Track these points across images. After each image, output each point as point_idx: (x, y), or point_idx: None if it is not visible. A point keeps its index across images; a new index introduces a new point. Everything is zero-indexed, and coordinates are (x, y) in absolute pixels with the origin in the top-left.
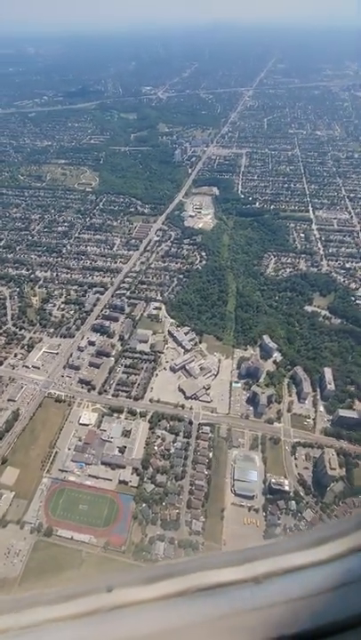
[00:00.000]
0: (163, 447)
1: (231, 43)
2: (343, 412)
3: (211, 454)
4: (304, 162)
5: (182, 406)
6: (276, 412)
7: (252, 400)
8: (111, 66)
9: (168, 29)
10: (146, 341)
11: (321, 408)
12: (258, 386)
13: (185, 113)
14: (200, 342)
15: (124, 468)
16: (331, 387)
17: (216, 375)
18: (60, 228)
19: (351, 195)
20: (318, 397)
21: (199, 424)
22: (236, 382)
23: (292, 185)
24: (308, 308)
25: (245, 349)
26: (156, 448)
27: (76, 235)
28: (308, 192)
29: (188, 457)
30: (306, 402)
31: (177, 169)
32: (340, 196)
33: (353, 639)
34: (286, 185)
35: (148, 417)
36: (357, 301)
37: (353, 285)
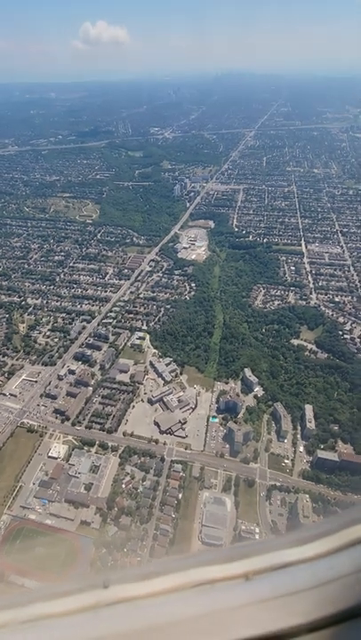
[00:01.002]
0: (131, 485)
1: (239, 89)
2: (322, 454)
3: (180, 495)
4: (299, 197)
5: (156, 441)
6: (253, 451)
7: (229, 437)
8: (124, 109)
9: (182, 77)
10: (126, 371)
11: (301, 448)
12: (235, 422)
13: (188, 151)
14: (181, 374)
15: (87, 507)
16: (311, 425)
17: (194, 409)
18: (56, 258)
19: (344, 229)
20: (299, 436)
21: (171, 461)
22: (214, 417)
23: (286, 219)
24: (295, 342)
25: (227, 382)
26: (123, 486)
27: (71, 264)
28: (301, 226)
29: (157, 497)
30: (285, 441)
31: (176, 203)
32: (333, 231)
33: (341, 634)
34: (280, 219)
35: (119, 452)
36: (345, 336)
37: (341, 319)
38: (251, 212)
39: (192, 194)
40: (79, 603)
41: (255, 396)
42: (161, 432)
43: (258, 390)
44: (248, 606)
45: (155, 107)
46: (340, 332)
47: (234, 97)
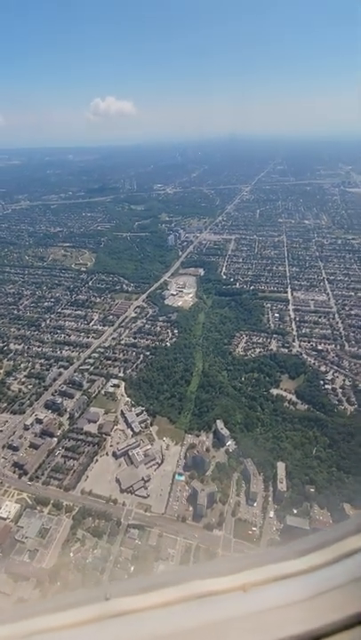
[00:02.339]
0: (80, 554)
1: (240, 151)
2: (292, 521)
3: (133, 568)
4: (289, 247)
5: (115, 501)
6: (219, 516)
7: (193, 498)
8: (132, 169)
9: (189, 141)
10: (95, 421)
11: (271, 513)
12: (202, 480)
13: (186, 205)
14: (152, 424)
15: (27, 580)
16: (282, 486)
17: (160, 464)
18: (45, 304)
19: (331, 277)
20: (271, 499)
21: (128, 525)
22: (180, 475)
23: (274, 267)
24: (274, 392)
25: (198, 435)
26: (71, 555)
27: (59, 310)
28: (288, 274)
29: (106, 569)
30: (255, 504)
31: (169, 252)
32: (320, 279)
33: None
34: (268, 267)
35: (73, 513)
36: (326, 386)
37: (323, 368)
38: (240, 260)
39: (185, 243)
40: (80, 616)
41: (227, 451)
42: (121, 490)
43: (230, 444)
44: (246, 618)
45: (160, 167)
46: (322, 382)
47: (235, 157)
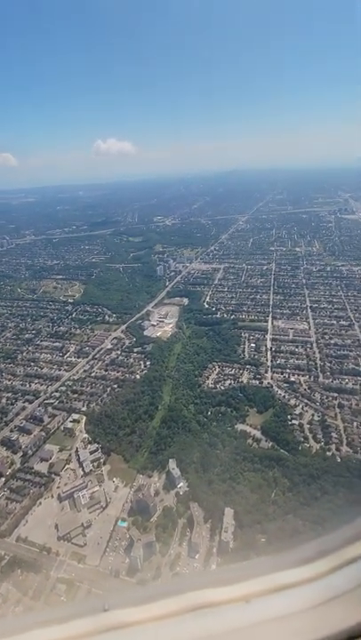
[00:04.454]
0: None
1: (242, 182)
2: None
3: None
4: (276, 274)
5: (49, 550)
6: (155, 570)
7: (129, 549)
8: (136, 202)
9: (194, 175)
10: (48, 460)
11: (213, 566)
12: (144, 528)
13: (182, 235)
14: (104, 463)
15: None
16: (227, 536)
17: (104, 508)
18: (26, 336)
19: (314, 305)
20: (215, 550)
21: (57, 579)
22: (123, 521)
23: (258, 296)
24: (239, 427)
25: (150, 475)
26: None
27: (38, 342)
28: (271, 302)
29: None
30: (197, 556)
31: (157, 282)
32: (303, 307)
33: None
34: (252, 296)
35: (3, 563)
36: (293, 421)
37: (293, 402)
38: (225, 289)
39: (173, 273)
40: (79, 628)
41: (177, 494)
42: (58, 537)
43: (181, 486)
44: (249, 629)
45: (163, 200)
46: (289, 417)
47: (235, 189)
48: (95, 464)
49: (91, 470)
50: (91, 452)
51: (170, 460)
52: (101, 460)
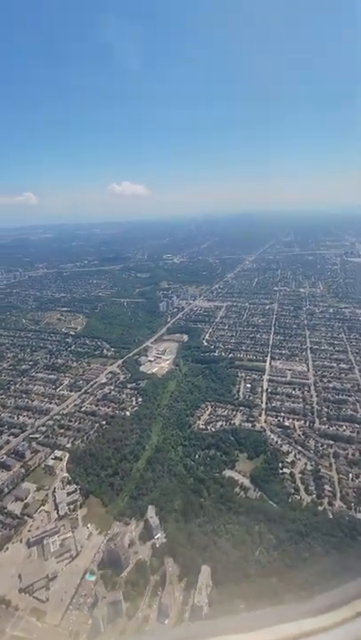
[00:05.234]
0: None
1: (252, 224)
2: None
3: None
4: (278, 314)
5: (7, 603)
6: (120, 634)
7: (93, 608)
8: (148, 241)
9: (206, 216)
10: (23, 499)
11: (182, 633)
12: (113, 584)
13: (188, 273)
14: (81, 506)
15: None
16: (201, 599)
17: (74, 557)
18: (23, 366)
19: (315, 346)
20: (187, 614)
21: (11, 637)
22: (91, 574)
23: (258, 335)
24: (228, 473)
25: (128, 523)
26: None
27: (34, 373)
28: (271, 342)
29: None
30: (166, 621)
31: (159, 318)
32: (303, 348)
33: None
34: (252, 335)
35: None
36: (284, 470)
37: (285, 448)
38: (226, 327)
39: (176, 310)
40: None
41: (153, 546)
42: (20, 589)
43: (159, 537)
44: None
45: (174, 239)
46: (281, 465)
47: (245, 231)
48: (72, 507)
49: (66, 514)
50: (68, 494)
51: (149, 507)
52: (78, 503)
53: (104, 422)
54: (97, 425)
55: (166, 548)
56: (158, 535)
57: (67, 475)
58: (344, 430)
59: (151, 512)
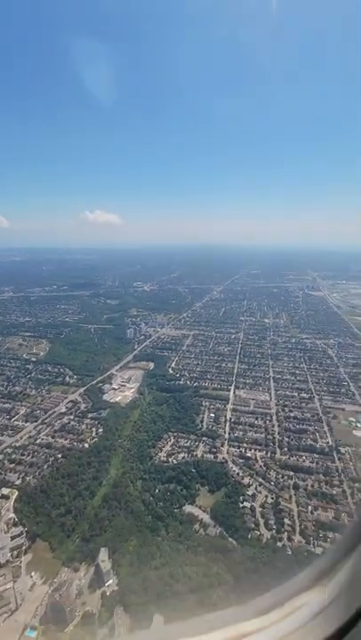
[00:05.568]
0: None
1: (222, 256)
2: None
3: None
4: (243, 344)
5: None
6: None
7: None
8: (121, 268)
9: (179, 246)
10: None
11: None
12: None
13: (158, 301)
14: (26, 552)
15: None
16: None
17: (13, 611)
18: None
19: (277, 376)
20: None
21: None
22: (32, 630)
23: (223, 364)
24: (188, 509)
25: (77, 568)
26: None
27: None
28: (236, 371)
29: None
30: None
31: (126, 345)
32: (267, 377)
33: None
34: (218, 364)
35: None
36: (245, 503)
37: (247, 481)
38: (192, 355)
39: (143, 337)
40: None
41: (103, 595)
42: None
43: (110, 584)
44: None
45: (147, 267)
46: (241, 499)
47: (215, 262)
48: (15, 553)
49: (8, 561)
50: (12, 538)
51: (101, 550)
52: (23, 548)
53: (60, 455)
54: (52, 458)
55: (117, 597)
56: (110, 582)
57: (13, 515)
58: (304, 461)
59: (103, 555)
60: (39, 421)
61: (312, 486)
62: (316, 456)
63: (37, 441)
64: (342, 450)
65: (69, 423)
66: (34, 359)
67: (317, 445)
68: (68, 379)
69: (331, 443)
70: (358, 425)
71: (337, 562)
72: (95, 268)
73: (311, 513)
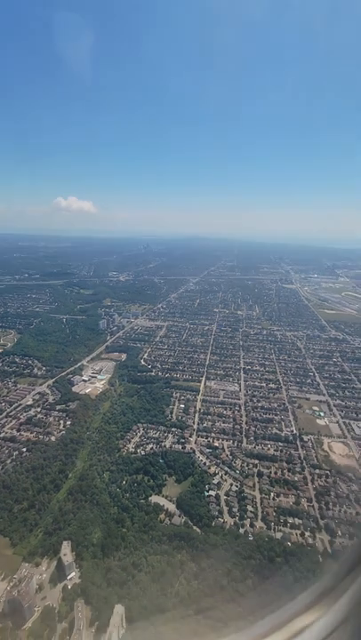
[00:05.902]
0: None
1: (199, 248)
2: None
3: None
4: (216, 335)
5: None
6: None
7: None
8: (96, 257)
9: (157, 237)
10: None
11: None
12: (13, 639)
13: (132, 292)
14: None
15: None
16: None
17: None
18: None
19: (247, 367)
20: None
21: None
22: None
23: (195, 355)
24: (154, 499)
25: (39, 563)
26: None
27: None
28: (207, 362)
29: None
30: None
31: (98, 336)
32: (237, 368)
33: None
34: (190, 355)
35: None
36: (210, 492)
37: (213, 470)
38: (165, 347)
39: (116, 328)
40: None
41: (64, 588)
42: None
43: (73, 577)
44: None
45: (123, 257)
46: (207, 487)
47: (192, 253)
48: None
49: None
50: None
51: (64, 543)
52: None
53: (25, 449)
54: (16, 452)
55: (79, 590)
56: (72, 575)
57: None
58: (269, 449)
59: (66, 549)
60: (3, 414)
61: (275, 473)
62: (281, 444)
63: (1, 435)
64: (305, 438)
65: (36, 416)
66: (0, 350)
67: (282, 434)
68: (36, 370)
69: (295, 431)
70: (321, 414)
71: (340, 581)
72: (70, 256)
73: (273, 499)
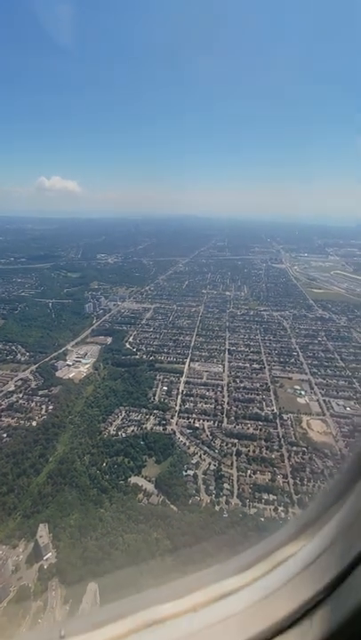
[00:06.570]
0: None
1: (192, 228)
2: None
3: None
4: (202, 316)
5: None
6: None
7: None
8: (85, 239)
9: (147, 217)
10: None
11: None
12: None
13: (121, 274)
14: None
15: None
16: None
17: None
18: None
19: (232, 348)
20: None
21: None
22: None
23: (181, 337)
24: (133, 480)
25: (16, 545)
26: None
27: None
28: (192, 344)
29: None
30: None
31: (84, 320)
32: (222, 349)
33: None
34: (175, 337)
35: None
36: (188, 472)
37: (192, 450)
38: (151, 329)
39: (102, 311)
40: None
41: (40, 568)
42: None
43: (49, 557)
44: (198, 634)
45: (112, 238)
46: (185, 467)
47: (184, 233)
48: None
49: None
50: None
51: (40, 526)
52: None
53: (5, 435)
54: None
55: (54, 569)
56: (48, 555)
57: None
58: (248, 428)
59: (42, 531)
60: None
61: (253, 452)
62: (261, 423)
63: None
64: (285, 417)
65: (17, 402)
66: None
67: (263, 413)
68: (19, 356)
69: (275, 410)
70: (302, 393)
71: (328, 508)
72: (57, 238)
73: (250, 477)
